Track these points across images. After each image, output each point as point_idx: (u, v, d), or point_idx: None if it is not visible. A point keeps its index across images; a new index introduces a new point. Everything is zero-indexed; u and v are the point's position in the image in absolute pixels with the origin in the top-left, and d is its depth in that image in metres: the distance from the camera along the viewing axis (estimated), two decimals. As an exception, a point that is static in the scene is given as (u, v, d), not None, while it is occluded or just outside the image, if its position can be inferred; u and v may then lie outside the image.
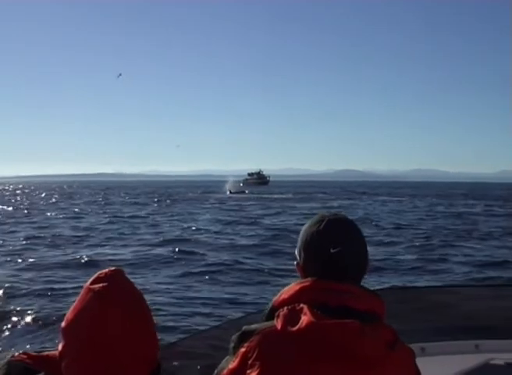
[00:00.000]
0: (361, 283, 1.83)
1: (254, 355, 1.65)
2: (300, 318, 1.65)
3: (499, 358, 3.36)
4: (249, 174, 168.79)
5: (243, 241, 24.21)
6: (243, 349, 1.68)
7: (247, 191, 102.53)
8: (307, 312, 1.65)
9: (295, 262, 1.88)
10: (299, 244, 1.86)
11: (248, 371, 1.65)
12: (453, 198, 79.08)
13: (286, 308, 1.69)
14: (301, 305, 1.68)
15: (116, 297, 1.58)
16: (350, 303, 1.69)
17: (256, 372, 1.64)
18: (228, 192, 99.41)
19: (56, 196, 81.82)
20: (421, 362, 1.82)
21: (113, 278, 1.62)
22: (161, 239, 24.58)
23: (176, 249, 20.66)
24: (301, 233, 1.87)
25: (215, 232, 28.38)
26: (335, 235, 1.78)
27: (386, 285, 12.94)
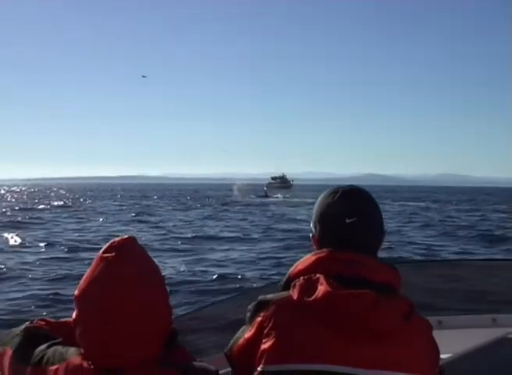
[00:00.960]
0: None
1: (270, 325, 1.67)
2: (316, 288, 1.66)
3: None
4: (272, 178, 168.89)
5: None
6: (259, 318, 1.70)
7: (279, 195, 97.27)
8: (324, 283, 1.65)
9: (310, 235, 1.88)
10: (314, 216, 1.86)
11: (264, 340, 1.67)
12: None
13: (302, 278, 1.70)
14: (317, 276, 1.68)
15: (128, 265, 1.59)
16: (366, 274, 1.69)
17: (272, 341, 1.65)
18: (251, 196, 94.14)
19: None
20: (438, 335, 1.81)
21: (125, 246, 1.63)
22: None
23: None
24: (316, 205, 1.87)
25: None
26: (350, 206, 1.78)
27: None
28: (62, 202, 66.99)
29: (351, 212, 1.76)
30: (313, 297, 1.64)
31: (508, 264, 4.92)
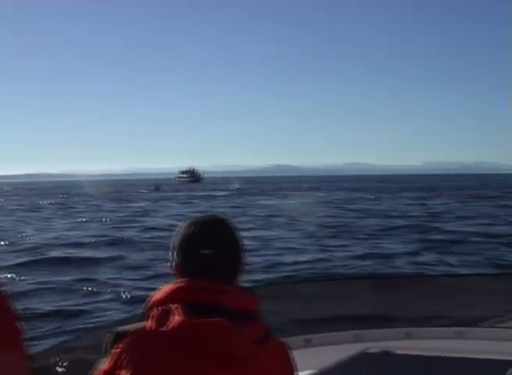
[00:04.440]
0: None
1: (126, 356, 1.68)
2: (171, 318, 1.69)
3: (375, 347, 3.58)
4: (181, 172, 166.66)
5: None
6: (116, 350, 1.71)
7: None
8: (179, 312, 1.70)
9: (168, 264, 1.93)
10: (173, 245, 1.90)
11: (121, 372, 1.68)
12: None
13: (158, 308, 1.74)
14: (173, 305, 1.72)
15: None
16: (223, 302, 1.75)
17: (129, 373, 1.66)
18: None
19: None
20: (306, 353, 1.92)
21: None
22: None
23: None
24: (175, 235, 1.92)
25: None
26: (207, 237, 1.84)
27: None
28: None
29: (209, 243, 1.83)
30: (167, 327, 1.68)
31: (369, 282, 5.28)
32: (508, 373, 2.69)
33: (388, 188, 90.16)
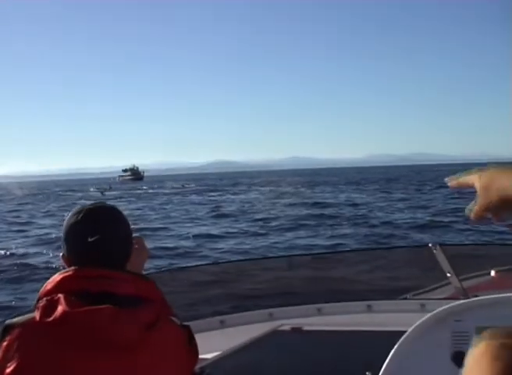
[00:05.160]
0: None
1: (14, 348, 1.70)
2: (56, 308, 1.71)
3: (287, 324, 3.68)
4: (123, 171, 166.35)
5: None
6: (4, 343, 1.72)
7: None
8: (63, 302, 1.71)
9: (61, 254, 1.93)
10: (62, 235, 1.91)
11: (8, 364, 1.69)
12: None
13: (45, 299, 1.75)
14: (59, 295, 1.74)
15: None
16: (110, 288, 1.77)
17: (15, 364, 1.68)
18: None
19: None
20: (221, 334, 1.94)
21: None
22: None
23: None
24: (64, 224, 1.92)
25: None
26: (92, 224, 1.85)
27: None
28: None
29: (93, 231, 1.83)
30: (52, 317, 1.69)
31: (283, 260, 5.37)
32: None
33: (332, 181, 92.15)
